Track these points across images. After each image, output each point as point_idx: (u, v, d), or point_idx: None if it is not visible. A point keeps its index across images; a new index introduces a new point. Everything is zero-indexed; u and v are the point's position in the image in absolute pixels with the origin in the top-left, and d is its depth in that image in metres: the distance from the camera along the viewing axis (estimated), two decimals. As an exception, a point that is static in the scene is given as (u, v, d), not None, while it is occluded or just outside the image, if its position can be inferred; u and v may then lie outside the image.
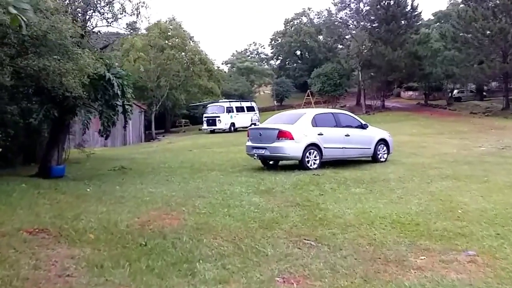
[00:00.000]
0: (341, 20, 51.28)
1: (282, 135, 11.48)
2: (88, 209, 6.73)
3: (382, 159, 13.36)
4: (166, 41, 39.85)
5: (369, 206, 7.71)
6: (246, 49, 79.48)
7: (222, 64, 67.23)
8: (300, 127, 11.76)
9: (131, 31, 45.36)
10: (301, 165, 11.60)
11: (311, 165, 11.67)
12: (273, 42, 72.04)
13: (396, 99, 58.19)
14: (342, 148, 12.34)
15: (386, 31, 45.10)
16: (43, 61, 7.73)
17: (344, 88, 50.31)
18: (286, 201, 7.96)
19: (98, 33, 12.52)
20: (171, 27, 41.65)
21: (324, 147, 11.89)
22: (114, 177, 11.63)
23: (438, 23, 58.22)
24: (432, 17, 61.64)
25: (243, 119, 34.12)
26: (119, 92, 11.15)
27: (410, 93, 60.94)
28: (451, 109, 45.99)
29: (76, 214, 6.25)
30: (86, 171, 13.12)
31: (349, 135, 12.46)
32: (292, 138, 11.44)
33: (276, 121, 12.62)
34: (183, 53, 40.70)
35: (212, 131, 33.30)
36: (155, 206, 7.28)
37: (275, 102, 57.72)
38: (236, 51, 75.50)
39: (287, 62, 72.59)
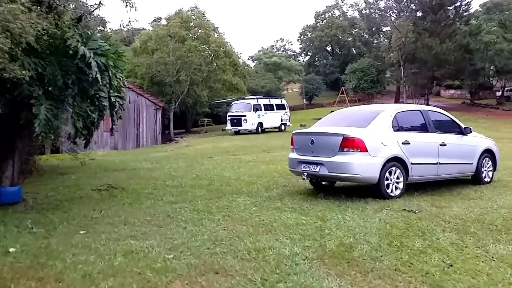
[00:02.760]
0: (381, 11, 46.57)
1: (349, 144, 7.32)
2: None
3: (486, 179, 9.12)
4: (188, 32, 36.05)
5: None
6: (273, 46, 75.58)
7: (248, 59, 63.31)
8: (376, 132, 7.60)
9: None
10: (376, 190, 7.46)
11: (391, 191, 7.52)
12: (302, 36, 67.67)
13: (435, 98, 52.92)
14: (436, 164, 8.13)
15: (432, 21, 40.36)
16: None
17: (383, 85, 45.60)
18: (396, 292, 3.85)
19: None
20: (193, 16, 37.88)
21: (412, 163, 7.71)
22: (92, 205, 7.72)
23: (486, 14, 52.74)
24: (480, 9, 56.02)
25: (272, 119, 29.90)
26: (99, 76, 7.22)
27: (452, 91, 55.72)
28: (505, 109, 40.86)
29: None
30: (61, 191, 9.26)
31: (445, 144, 8.24)
32: (364, 150, 7.27)
33: (336, 122, 8.41)
34: (205, 46, 36.87)
35: (237, 132, 29.21)
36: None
37: (304, 100, 53.46)
38: (262, 47, 71.59)
39: (316, 58, 68.19)
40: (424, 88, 43.42)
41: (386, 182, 7.44)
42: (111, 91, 8.12)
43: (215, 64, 37.58)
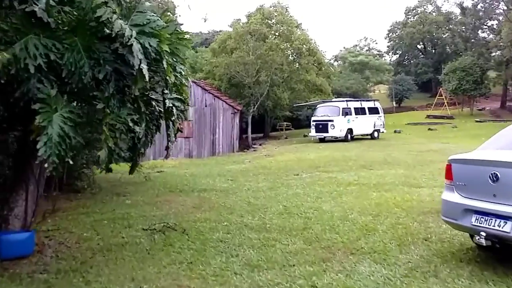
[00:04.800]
0: (486, 2, 40.88)
1: None
2: None
3: None
4: (269, 29, 33.38)
5: None
6: (356, 45, 70.85)
7: (331, 59, 59.46)
8: None
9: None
10: None
11: None
12: (391, 34, 62.48)
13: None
14: None
15: (552, 11, 34.23)
16: None
17: (488, 86, 39.75)
18: None
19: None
20: (275, 13, 35.15)
21: None
22: (134, 264, 5.07)
23: None
24: None
25: (363, 125, 26.11)
26: (144, 66, 4.49)
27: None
28: None
29: None
30: (102, 230, 6.73)
31: None
32: None
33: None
34: (287, 44, 33.97)
35: (322, 139, 25.85)
36: None
37: (393, 103, 48.66)
38: (344, 47, 67.30)
39: (406, 57, 62.67)
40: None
41: None
42: (166, 91, 5.40)
43: (297, 63, 34.54)
